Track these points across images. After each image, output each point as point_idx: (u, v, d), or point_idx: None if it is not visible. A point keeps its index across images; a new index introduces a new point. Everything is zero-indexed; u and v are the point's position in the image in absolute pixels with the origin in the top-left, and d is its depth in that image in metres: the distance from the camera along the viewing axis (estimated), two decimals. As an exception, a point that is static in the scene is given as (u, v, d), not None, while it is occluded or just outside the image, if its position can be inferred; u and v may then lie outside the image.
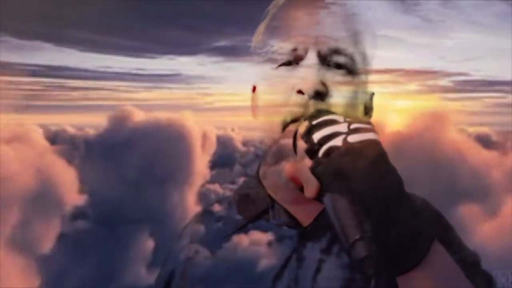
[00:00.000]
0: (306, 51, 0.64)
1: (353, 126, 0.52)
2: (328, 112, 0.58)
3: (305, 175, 0.54)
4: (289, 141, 0.60)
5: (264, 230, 0.69)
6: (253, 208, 0.72)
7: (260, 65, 0.69)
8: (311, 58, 0.63)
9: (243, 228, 0.71)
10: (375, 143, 0.51)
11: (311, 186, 0.53)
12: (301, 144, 0.56)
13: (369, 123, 0.55)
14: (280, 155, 0.63)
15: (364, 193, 0.48)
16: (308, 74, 0.62)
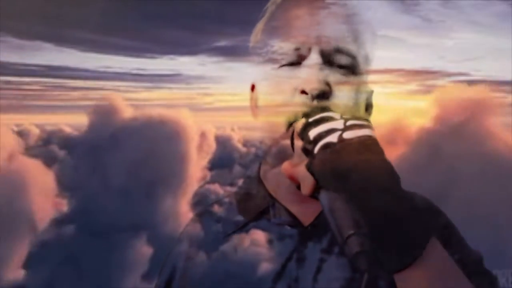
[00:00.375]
0: (309, 51, 0.63)
1: (349, 122, 0.52)
2: (325, 109, 0.58)
3: (301, 172, 0.54)
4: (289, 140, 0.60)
5: (265, 229, 0.69)
6: (254, 207, 0.72)
7: (261, 65, 0.69)
8: (314, 57, 0.63)
9: (243, 228, 0.71)
10: (371, 140, 0.51)
11: (307, 183, 0.53)
12: (298, 142, 0.56)
13: (366, 120, 0.55)
14: (281, 156, 0.63)
15: (360, 189, 0.48)
16: (311, 74, 0.62)
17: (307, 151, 0.53)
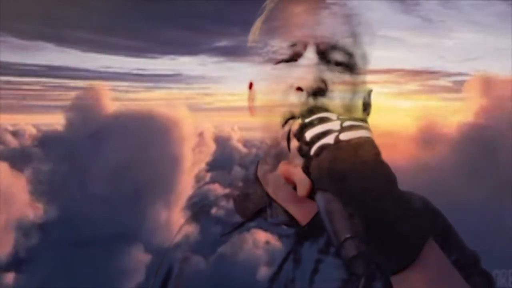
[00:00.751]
0: (305, 47, 0.63)
1: (346, 123, 0.52)
2: (322, 109, 0.58)
3: (298, 173, 0.54)
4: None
5: (262, 229, 0.69)
6: (251, 206, 0.72)
7: (261, 65, 0.69)
8: (310, 54, 0.63)
9: (240, 227, 0.71)
10: (367, 141, 0.51)
11: (303, 184, 0.53)
12: (294, 143, 0.55)
13: (363, 120, 0.54)
14: (279, 157, 0.63)
15: (356, 191, 0.48)
16: (307, 71, 0.62)
17: (303, 152, 0.53)
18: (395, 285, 0.50)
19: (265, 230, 0.69)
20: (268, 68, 0.66)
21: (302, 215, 0.68)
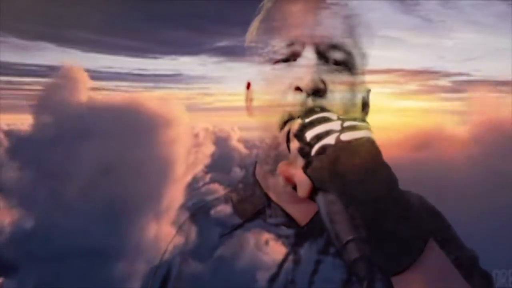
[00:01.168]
0: (303, 47, 0.63)
1: (346, 124, 0.52)
2: (321, 109, 0.57)
3: (298, 174, 0.53)
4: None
5: (261, 229, 0.69)
6: (250, 207, 0.72)
7: (261, 65, 0.68)
8: (309, 55, 0.62)
9: (240, 228, 0.71)
10: (368, 141, 0.51)
11: (304, 185, 0.52)
12: (294, 143, 0.55)
13: (364, 120, 0.54)
14: (279, 157, 0.63)
15: (357, 192, 0.48)
16: (306, 70, 0.61)
17: (303, 153, 0.52)
18: (396, 285, 0.50)
19: (264, 230, 0.69)
20: (268, 68, 0.66)
21: (301, 215, 0.68)
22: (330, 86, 0.62)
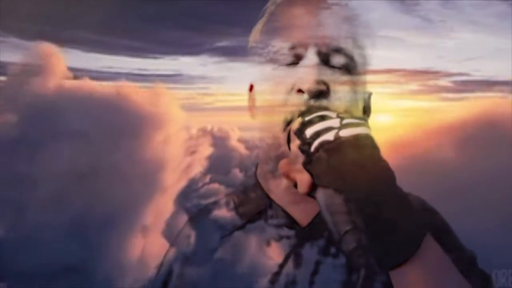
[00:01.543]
0: (305, 50, 0.63)
1: (345, 121, 0.53)
2: (321, 108, 0.58)
3: (298, 170, 0.54)
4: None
5: (262, 230, 0.69)
6: (251, 208, 0.72)
7: (262, 66, 0.69)
8: (311, 57, 0.63)
9: (241, 229, 0.71)
10: (367, 137, 0.51)
11: (304, 181, 0.53)
12: (295, 141, 0.56)
13: (363, 118, 0.55)
14: (280, 157, 0.63)
15: (356, 187, 0.49)
16: (308, 73, 0.62)
17: (303, 150, 0.53)
18: (394, 279, 0.50)
19: (266, 231, 0.69)
20: (269, 69, 0.66)
21: (303, 216, 0.68)
22: (332, 88, 0.62)
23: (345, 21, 0.66)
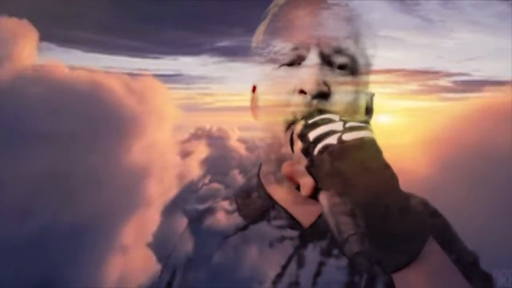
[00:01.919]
0: (308, 51, 0.63)
1: (348, 124, 0.53)
2: (324, 111, 0.58)
3: (301, 173, 0.54)
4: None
5: (265, 231, 0.69)
6: (254, 209, 0.72)
7: (262, 66, 0.69)
8: (313, 58, 0.63)
9: (243, 230, 0.71)
10: (370, 141, 0.52)
11: (307, 184, 0.53)
12: (297, 143, 0.56)
13: (366, 121, 0.55)
14: (282, 158, 0.63)
15: (358, 190, 0.49)
16: (310, 74, 0.62)
17: (306, 153, 0.53)
18: (397, 283, 0.50)
19: (268, 232, 0.69)
20: (270, 69, 0.67)
21: (305, 217, 0.68)
22: (334, 89, 0.62)
23: (346, 21, 0.66)
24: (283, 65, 0.65)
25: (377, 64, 0.70)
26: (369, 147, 0.51)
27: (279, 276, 0.65)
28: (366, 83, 0.69)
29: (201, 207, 0.81)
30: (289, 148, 0.60)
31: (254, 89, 0.74)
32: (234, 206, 0.75)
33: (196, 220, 0.78)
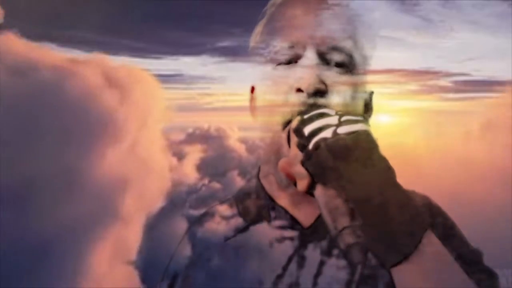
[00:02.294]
0: (304, 49, 0.63)
1: (343, 118, 0.52)
2: (320, 106, 0.58)
3: (297, 168, 0.54)
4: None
5: (265, 231, 0.69)
6: (254, 209, 0.72)
7: (262, 66, 0.69)
8: (310, 56, 0.63)
9: (244, 231, 0.71)
10: (365, 134, 0.51)
11: (303, 179, 0.53)
12: (293, 139, 0.55)
13: (362, 115, 0.54)
14: (280, 157, 0.64)
15: (354, 184, 0.48)
16: (307, 72, 0.62)
17: (302, 148, 0.53)
18: (395, 276, 0.50)
19: (269, 232, 0.69)
20: (269, 69, 0.67)
21: (305, 217, 0.68)
22: (331, 87, 0.62)
23: (345, 21, 0.66)
24: (280, 63, 0.65)
25: (377, 64, 0.70)
26: (365, 140, 0.51)
27: (280, 276, 0.64)
28: (364, 81, 0.69)
29: (201, 210, 0.81)
30: (287, 145, 0.60)
31: (252, 89, 0.74)
32: (233, 208, 0.75)
33: (196, 223, 0.78)
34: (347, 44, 0.65)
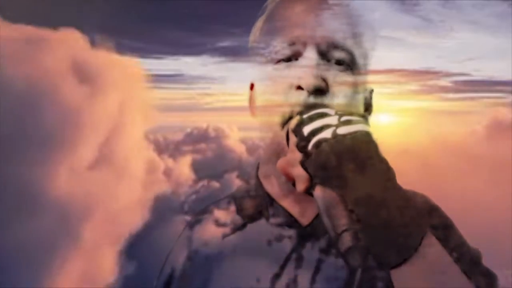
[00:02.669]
0: (304, 46, 0.63)
1: (343, 118, 0.52)
2: (320, 105, 0.58)
3: (296, 169, 0.53)
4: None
5: (264, 230, 0.69)
6: (252, 207, 0.72)
7: (263, 65, 0.68)
8: (310, 53, 0.63)
9: (242, 228, 0.71)
10: (365, 134, 0.51)
11: (301, 179, 0.52)
12: (292, 138, 0.55)
13: (363, 115, 0.54)
14: (279, 156, 0.63)
15: (353, 184, 0.48)
16: (307, 69, 0.62)
17: (301, 147, 0.53)
18: (395, 279, 0.50)
19: (267, 231, 0.69)
20: (269, 68, 0.67)
21: (304, 215, 0.68)
22: (332, 86, 0.62)
23: (345, 17, 0.66)
24: (280, 61, 0.65)
25: (377, 64, 0.70)
26: (365, 140, 0.50)
27: (278, 275, 0.64)
28: (365, 80, 0.68)
29: (198, 209, 0.81)
30: (286, 144, 0.59)
31: (252, 86, 0.74)
32: (232, 205, 0.75)
33: (194, 219, 0.77)
34: (348, 43, 0.64)
